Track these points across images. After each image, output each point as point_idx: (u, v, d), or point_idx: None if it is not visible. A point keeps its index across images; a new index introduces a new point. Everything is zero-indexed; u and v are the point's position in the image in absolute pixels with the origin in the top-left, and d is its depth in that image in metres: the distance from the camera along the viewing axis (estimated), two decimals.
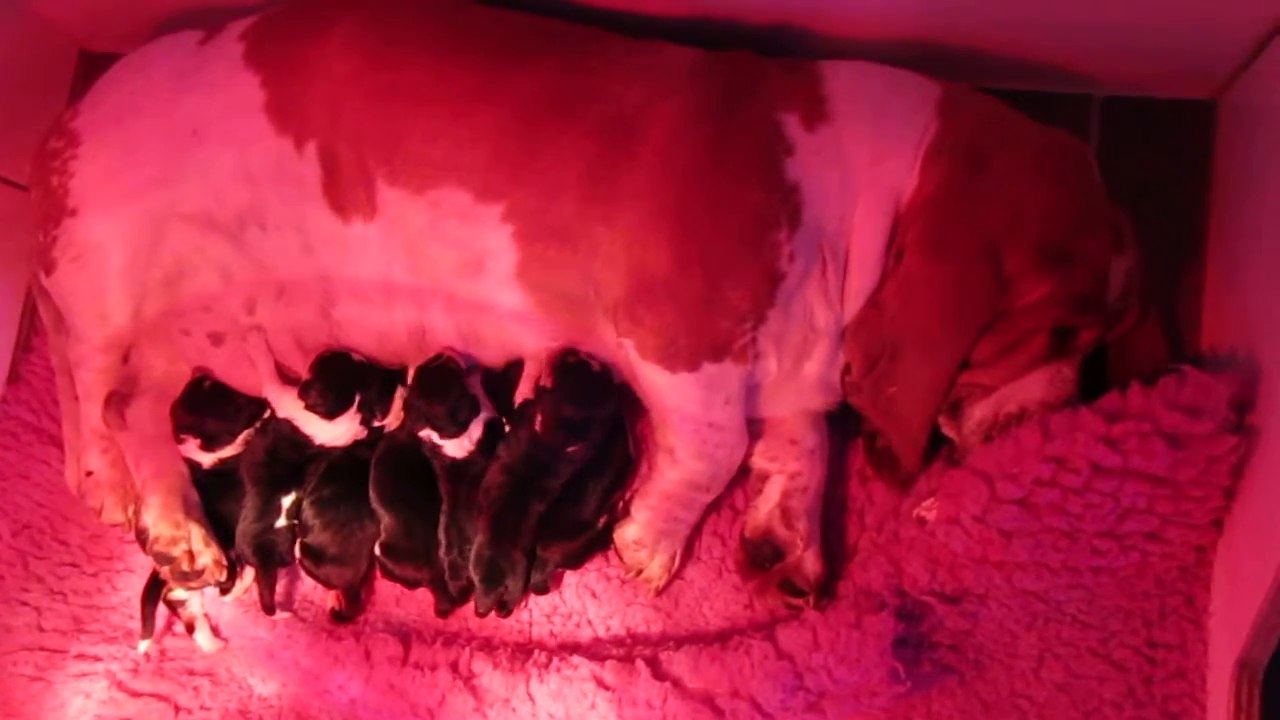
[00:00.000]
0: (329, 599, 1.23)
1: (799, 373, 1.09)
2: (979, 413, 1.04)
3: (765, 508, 1.13)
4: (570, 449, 1.09)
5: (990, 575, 1.04)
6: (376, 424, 1.19)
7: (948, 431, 1.08)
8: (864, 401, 1.07)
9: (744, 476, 1.16)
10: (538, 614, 1.20)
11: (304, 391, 1.15)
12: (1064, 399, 1.02)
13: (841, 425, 1.17)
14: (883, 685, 1.03)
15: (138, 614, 1.22)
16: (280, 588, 1.24)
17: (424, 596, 1.21)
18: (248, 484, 1.19)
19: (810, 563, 1.12)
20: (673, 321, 1.01)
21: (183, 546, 1.15)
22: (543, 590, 1.18)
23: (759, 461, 1.15)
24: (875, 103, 1.03)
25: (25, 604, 1.29)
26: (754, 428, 1.12)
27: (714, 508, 1.17)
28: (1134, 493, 0.97)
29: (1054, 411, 1.00)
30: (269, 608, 1.20)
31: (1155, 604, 1.06)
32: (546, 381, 1.09)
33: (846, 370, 1.07)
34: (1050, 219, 0.97)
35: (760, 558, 1.14)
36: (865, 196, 1.02)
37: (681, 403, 1.05)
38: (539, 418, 1.08)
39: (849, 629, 1.03)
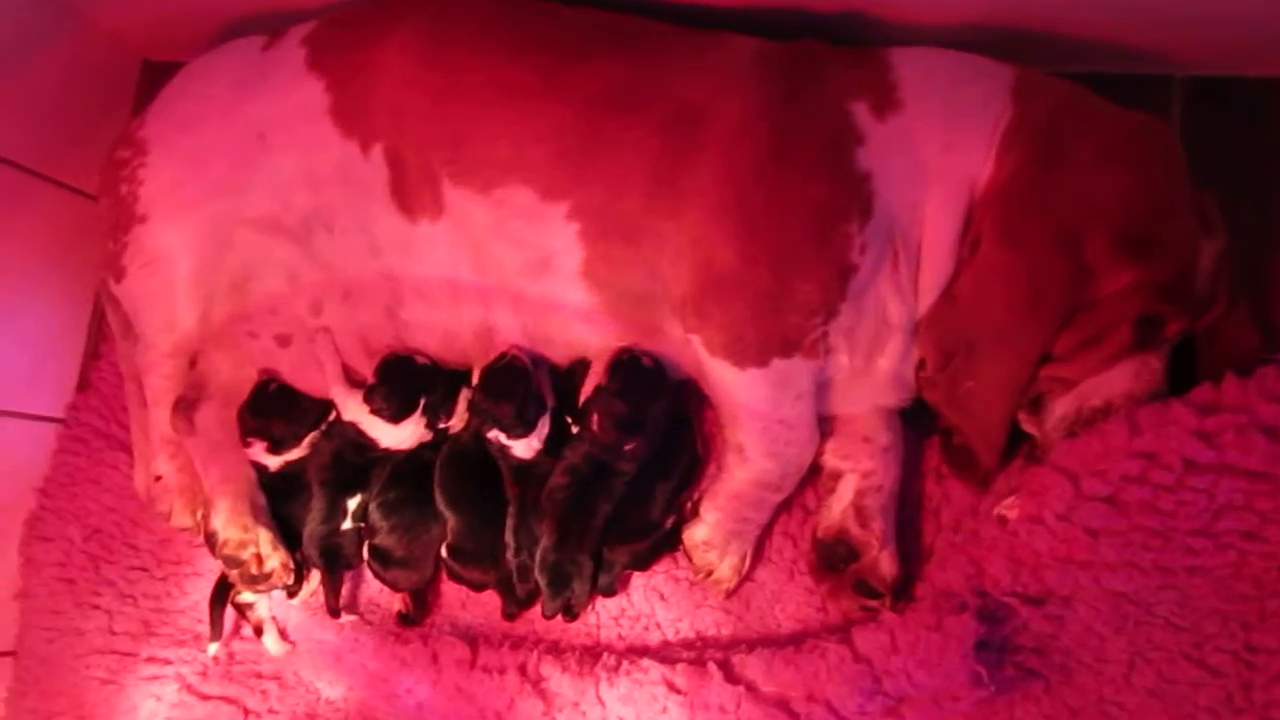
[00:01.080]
0: (395, 602, 1.25)
1: (872, 368, 1.08)
2: (1061, 408, 1.03)
3: (838, 507, 1.13)
4: (628, 446, 1.10)
5: (1076, 576, 1.02)
6: (441, 426, 1.21)
7: (1028, 428, 1.07)
8: (940, 397, 1.06)
9: (815, 475, 1.16)
10: (605, 616, 1.21)
11: (369, 396, 1.17)
12: (1151, 392, 1.00)
13: (916, 422, 1.16)
14: (964, 690, 1.01)
15: (206, 617, 1.25)
16: (346, 591, 1.26)
17: (490, 599, 1.22)
18: (314, 487, 1.21)
19: (886, 563, 1.11)
20: (741, 316, 1.01)
21: (251, 550, 1.18)
22: (610, 592, 1.18)
23: (831, 460, 1.14)
24: (947, 89, 1.03)
25: (97, 608, 1.33)
26: (825, 425, 1.12)
27: (785, 508, 1.17)
28: (1230, 489, 0.94)
29: (1141, 405, 0.99)
30: (335, 610, 1.22)
31: (1254, 606, 1.02)
32: (603, 380, 1.10)
33: (921, 365, 1.06)
34: (1130, 205, 0.96)
35: (834, 559, 1.13)
36: (938, 186, 1.01)
37: (751, 399, 1.05)
38: (594, 416, 1.10)
39: (928, 631, 1.02)
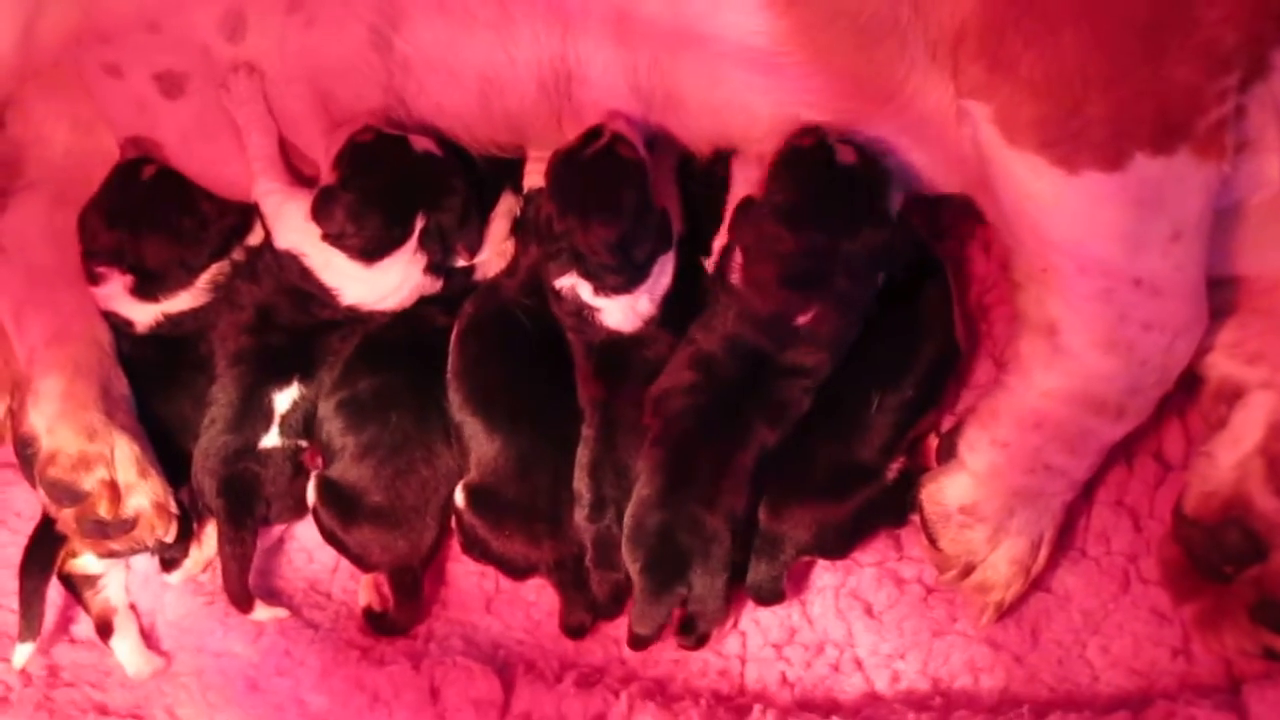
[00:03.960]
0: (362, 589, 1.26)
1: None
2: None
3: (1233, 456, 1.10)
4: (802, 318, 1.08)
5: None
6: (460, 265, 1.22)
7: None
8: None
9: (1189, 393, 1.15)
10: (757, 641, 1.20)
11: (323, 208, 1.16)
12: None
13: None
14: None
15: (11, 601, 1.24)
16: (267, 564, 1.27)
17: (540, 597, 1.24)
18: (219, 365, 1.22)
19: None
20: (1073, 69, 0.98)
21: (100, 474, 1.16)
22: (772, 598, 1.16)
23: (1225, 363, 1.13)
24: None
25: None
26: (1219, 297, 1.09)
27: (1118, 454, 1.16)
28: None
29: None
30: (245, 598, 1.21)
31: None
32: (759, 189, 1.11)
33: None
34: None
35: (1216, 556, 1.11)
36: None
37: (1083, 234, 1.02)
38: (739, 257, 1.10)
39: None
